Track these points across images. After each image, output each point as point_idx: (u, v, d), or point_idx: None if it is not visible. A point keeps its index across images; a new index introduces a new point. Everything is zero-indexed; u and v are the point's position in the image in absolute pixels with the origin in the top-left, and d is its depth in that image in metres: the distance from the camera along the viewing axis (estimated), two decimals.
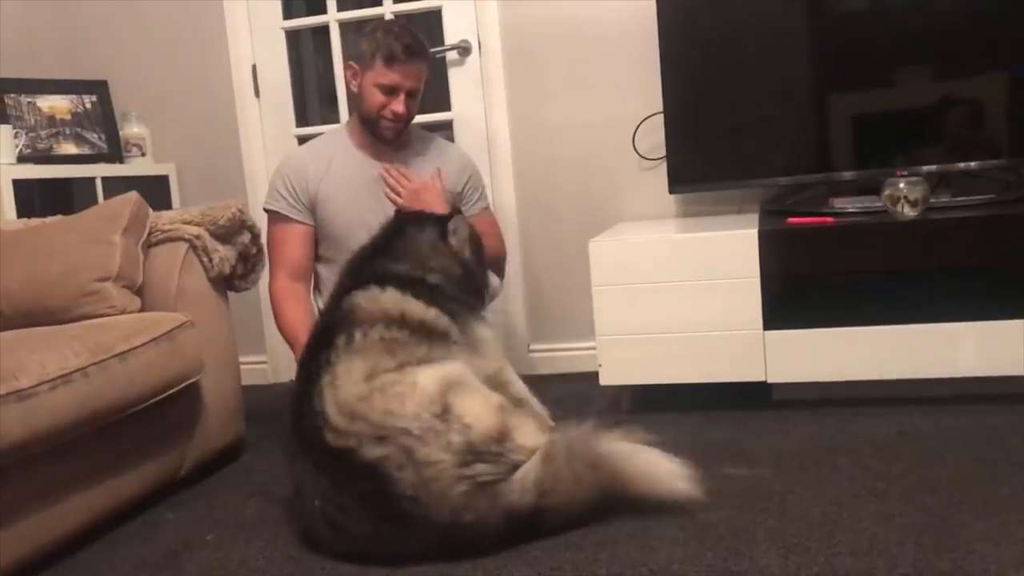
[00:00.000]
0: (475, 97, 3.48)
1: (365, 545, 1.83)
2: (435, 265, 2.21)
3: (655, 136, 3.24)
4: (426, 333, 2.04)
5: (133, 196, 2.52)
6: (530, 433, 1.97)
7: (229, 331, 2.68)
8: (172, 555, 2.03)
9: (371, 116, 2.66)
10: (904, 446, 2.31)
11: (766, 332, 2.66)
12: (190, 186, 3.79)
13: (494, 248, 2.83)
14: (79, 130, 3.65)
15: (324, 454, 1.85)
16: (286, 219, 2.68)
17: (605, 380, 2.80)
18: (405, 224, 2.29)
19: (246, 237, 2.69)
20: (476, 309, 2.29)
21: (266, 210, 2.74)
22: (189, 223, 2.59)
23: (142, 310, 2.46)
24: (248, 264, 2.74)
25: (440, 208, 2.56)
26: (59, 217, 2.67)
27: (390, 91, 2.61)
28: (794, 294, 2.70)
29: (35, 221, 2.68)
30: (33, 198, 3.23)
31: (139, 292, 2.48)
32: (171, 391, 2.29)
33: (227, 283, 2.69)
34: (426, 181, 2.63)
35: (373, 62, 2.59)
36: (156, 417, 2.29)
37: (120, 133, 3.71)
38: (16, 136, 3.43)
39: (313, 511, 1.89)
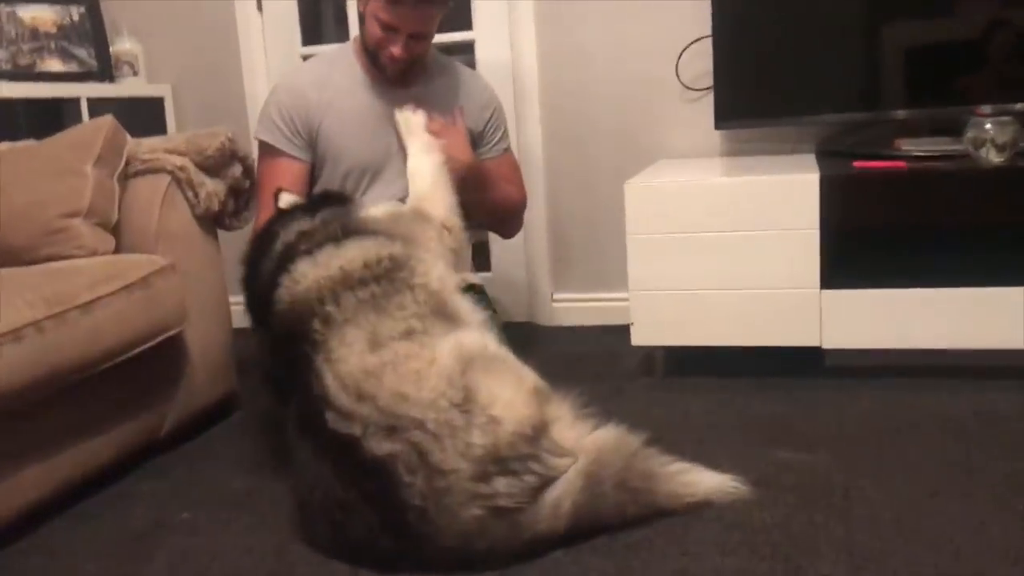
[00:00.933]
0: (500, 14, 3.13)
1: (362, 550, 1.55)
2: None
3: (701, 63, 2.89)
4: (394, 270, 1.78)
5: (107, 120, 2.22)
6: (568, 425, 1.67)
7: (218, 274, 2.39)
8: (138, 539, 1.78)
9: (370, 48, 2.32)
10: (983, 431, 2.00)
11: (823, 291, 2.34)
12: (186, 109, 3.47)
13: (509, 196, 2.52)
14: (65, 44, 3.32)
15: (326, 439, 1.57)
16: (279, 152, 2.35)
17: (637, 339, 2.50)
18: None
19: (237, 170, 2.39)
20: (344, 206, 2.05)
21: (257, 139, 2.40)
22: (173, 152, 2.28)
23: (117, 251, 2.18)
24: (240, 200, 2.44)
25: (463, 155, 2.27)
26: (27, 142, 2.36)
27: (389, 29, 2.23)
28: (857, 249, 2.38)
29: (2, 145, 2.37)
30: (12, 119, 2.92)
31: (114, 230, 2.19)
32: (147, 345, 2.02)
33: (216, 221, 2.39)
34: (448, 123, 2.30)
35: None
36: (131, 374, 2.02)
37: (110, 49, 3.38)
38: None
39: (311, 501, 1.62)
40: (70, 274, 1.92)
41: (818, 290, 2.34)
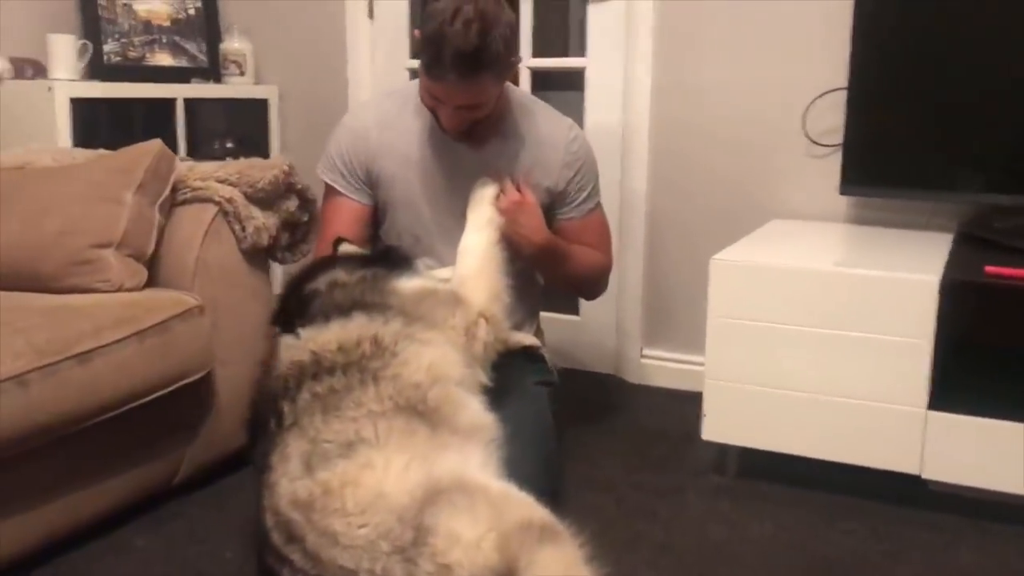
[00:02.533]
0: (616, 42, 2.85)
1: None
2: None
3: (832, 117, 2.53)
4: (363, 358, 1.58)
5: (155, 145, 2.10)
6: (553, 566, 1.42)
7: (264, 310, 2.23)
8: None
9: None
10: None
11: (930, 412, 1.98)
12: (290, 113, 3.37)
13: (591, 266, 2.25)
14: (177, 39, 3.28)
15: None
16: (338, 192, 2.18)
17: (708, 434, 2.20)
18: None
19: (293, 203, 2.24)
20: (393, 269, 1.84)
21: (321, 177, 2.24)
22: (224, 182, 2.15)
23: (152, 283, 2.07)
24: (297, 233, 2.30)
25: (535, 235, 2.03)
26: (97, 153, 2.28)
27: (436, 100, 1.99)
28: (976, 368, 2.00)
29: (66, 155, 2.30)
30: (100, 120, 2.88)
31: (154, 260, 2.08)
32: (156, 395, 1.89)
33: (268, 255, 2.25)
34: (523, 199, 2.02)
35: (421, 55, 1.94)
36: (142, 419, 1.90)
37: (220, 47, 3.31)
38: (105, 42, 3.09)
39: None
40: (77, 315, 1.81)
41: (924, 410, 1.98)
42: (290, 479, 1.45)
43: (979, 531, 1.97)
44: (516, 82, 2.24)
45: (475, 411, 1.66)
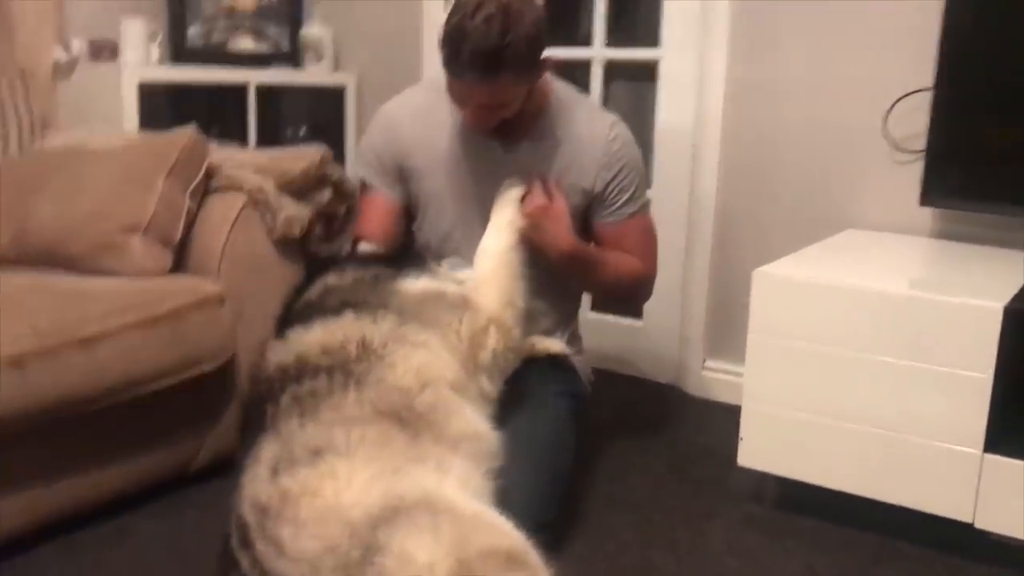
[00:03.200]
0: (691, 33, 2.70)
1: None
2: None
3: (917, 121, 2.32)
4: (347, 360, 1.51)
5: (189, 132, 2.10)
6: None
7: None
8: None
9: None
10: None
11: (986, 455, 1.78)
12: (368, 102, 3.34)
13: (628, 274, 2.10)
14: (260, 24, 3.31)
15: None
16: (371, 186, 2.13)
17: (745, 460, 2.05)
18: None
19: (327, 195, 2.20)
20: (402, 270, 1.76)
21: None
22: (258, 170, 2.13)
23: (178, 270, 2.07)
24: (334, 225, 2.26)
25: (562, 242, 1.93)
26: (130, 137, 2.31)
27: (459, 98, 1.91)
28: None
29: (121, 138, 2.34)
30: (174, 105, 2.92)
31: (183, 248, 2.09)
32: (168, 382, 1.89)
33: (303, 245, 2.22)
34: (549, 205, 1.92)
35: (442, 50, 1.84)
36: (158, 405, 1.91)
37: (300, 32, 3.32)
38: (190, 26, 3.14)
39: None
40: (87, 299, 1.82)
41: (980, 452, 1.78)
42: (255, 482, 1.40)
43: None
44: (559, 74, 2.11)
45: (469, 419, 1.58)
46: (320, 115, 3.33)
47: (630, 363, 2.94)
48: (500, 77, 1.80)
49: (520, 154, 2.02)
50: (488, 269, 1.80)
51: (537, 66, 1.88)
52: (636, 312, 2.92)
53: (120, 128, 2.64)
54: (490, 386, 1.73)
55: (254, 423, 1.56)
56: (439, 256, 2.04)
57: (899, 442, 1.85)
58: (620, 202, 2.08)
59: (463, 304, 1.71)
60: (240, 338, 2.06)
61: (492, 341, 1.70)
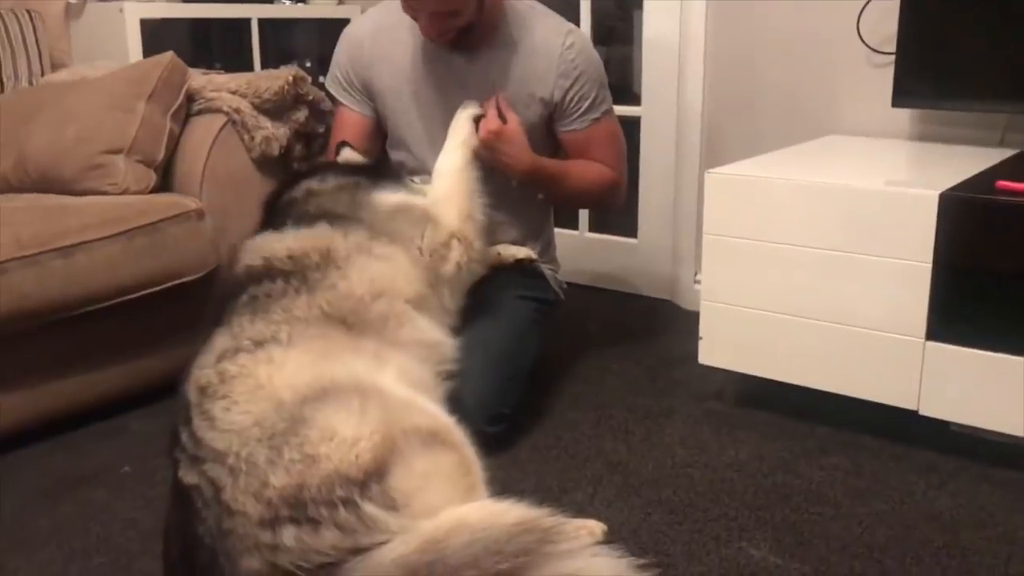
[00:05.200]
0: None
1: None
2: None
3: (890, 24, 2.29)
4: (307, 268, 1.59)
5: (167, 57, 2.22)
6: (433, 482, 1.38)
7: None
8: (70, 484, 1.81)
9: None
10: None
11: (928, 343, 1.80)
12: None
13: (595, 181, 2.14)
14: None
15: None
16: (339, 102, 2.22)
17: (704, 358, 2.10)
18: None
19: (303, 114, 2.30)
20: (379, 181, 1.82)
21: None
22: (235, 92, 2.24)
23: (166, 190, 2.20)
24: (314, 145, 2.36)
25: (519, 160, 1.98)
26: (108, 69, 2.42)
27: (411, 7, 1.96)
28: (981, 297, 1.78)
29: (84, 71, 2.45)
30: (178, 42, 3.03)
31: (167, 170, 2.21)
32: (148, 291, 2.02)
33: (283, 164, 2.33)
34: (502, 128, 1.94)
35: None
36: (144, 314, 2.04)
37: None
38: None
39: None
40: (68, 214, 1.95)
41: (922, 340, 1.80)
42: (200, 368, 1.50)
43: (971, 476, 1.78)
44: None
45: (422, 328, 1.66)
46: (327, 48, 3.40)
47: (625, 280, 2.99)
48: None
49: (479, 65, 2.08)
50: (445, 187, 1.84)
51: None
52: (631, 232, 2.97)
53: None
54: (452, 300, 1.79)
55: (215, 318, 1.67)
56: (413, 172, 2.13)
57: (845, 333, 1.89)
58: (581, 109, 2.12)
59: (425, 218, 1.77)
60: (224, 255, 2.18)
61: (455, 254, 1.76)
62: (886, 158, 2.23)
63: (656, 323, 2.76)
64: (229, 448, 1.33)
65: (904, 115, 2.36)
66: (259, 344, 1.46)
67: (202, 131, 2.22)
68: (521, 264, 2.17)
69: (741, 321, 2.02)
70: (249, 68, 3.15)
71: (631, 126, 2.86)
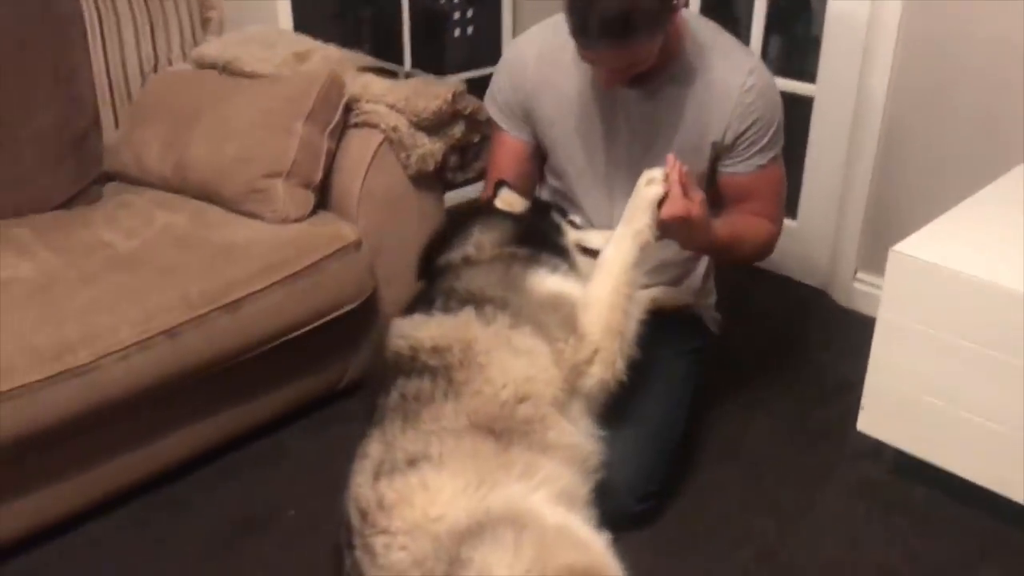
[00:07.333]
0: None
1: None
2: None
3: None
4: (451, 367, 1.60)
5: (325, 75, 2.13)
6: None
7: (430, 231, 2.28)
8: (238, 529, 1.92)
9: None
10: None
11: None
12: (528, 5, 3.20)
13: (752, 242, 2.01)
14: None
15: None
16: (498, 126, 2.11)
17: (863, 426, 2.03)
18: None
19: (459, 128, 2.21)
20: (538, 249, 1.79)
21: None
22: (392, 108, 2.15)
23: (321, 206, 2.18)
24: (468, 154, 2.28)
25: (698, 246, 1.93)
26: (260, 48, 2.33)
27: (591, 63, 1.80)
28: None
29: (271, 48, 2.36)
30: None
31: (324, 184, 2.18)
32: (306, 328, 2.05)
33: (438, 177, 2.27)
34: (693, 214, 1.72)
35: (567, 18, 1.72)
36: (303, 343, 2.08)
37: None
38: None
39: None
40: (231, 260, 1.95)
41: None
42: (360, 480, 1.53)
43: None
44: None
45: (566, 431, 1.64)
46: (479, 17, 3.24)
47: (780, 263, 2.86)
48: (633, 40, 1.70)
49: (650, 103, 1.93)
50: (601, 291, 1.71)
51: (669, 14, 1.75)
52: (791, 212, 2.81)
53: (275, 27, 2.66)
54: (582, 412, 1.72)
55: (372, 399, 1.68)
56: (569, 201, 2.05)
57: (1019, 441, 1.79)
58: (750, 153, 1.97)
59: (573, 322, 1.69)
60: (379, 271, 2.18)
61: (595, 370, 1.69)
62: None
63: (809, 323, 2.67)
64: None
65: None
66: (412, 463, 1.48)
67: (359, 149, 2.17)
68: (679, 311, 2.10)
69: (907, 402, 1.93)
70: (400, 26, 3.01)
71: (802, 105, 2.67)
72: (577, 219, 2.00)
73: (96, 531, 1.90)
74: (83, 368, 1.73)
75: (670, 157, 1.73)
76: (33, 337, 1.71)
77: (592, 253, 1.85)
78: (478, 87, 2.22)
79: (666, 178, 1.72)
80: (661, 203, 1.72)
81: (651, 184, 1.73)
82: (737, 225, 1.97)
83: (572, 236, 1.92)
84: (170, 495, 2.00)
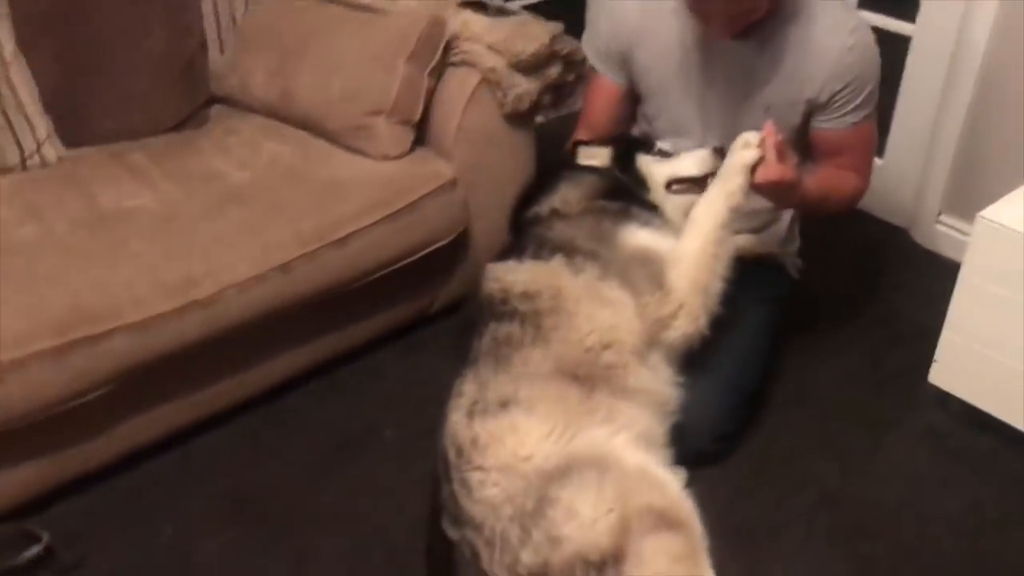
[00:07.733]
0: None
1: None
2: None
3: None
4: (540, 313, 1.69)
5: (427, 15, 2.19)
6: (659, 557, 1.56)
7: (521, 168, 2.35)
8: (339, 448, 2.09)
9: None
10: None
11: None
12: None
13: (840, 196, 2.06)
14: None
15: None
16: (594, 68, 2.16)
17: (935, 378, 2.11)
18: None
19: (556, 69, 2.25)
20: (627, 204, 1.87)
21: None
22: (491, 48, 2.21)
23: (419, 143, 2.26)
24: (563, 91, 2.33)
25: (789, 205, 2.05)
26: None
27: (704, 16, 1.83)
28: None
29: None
30: None
31: (422, 122, 2.25)
32: (406, 262, 2.17)
33: (531, 114, 2.33)
34: (786, 178, 1.80)
35: None
36: (401, 271, 2.20)
37: None
38: None
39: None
40: (340, 197, 2.07)
41: None
42: (456, 418, 1.64)
43: None
44: None
45: (647, 379, 1.75)
46: None
47: (863, 199, 2.88)
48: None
49: (748, 55, 1.96)
50: (691, 247, 1.78)
51: None
52: (877, 150, 2.81)
53: None
54: (662, 361, 1.81)
55: (467, 339, 1.77)
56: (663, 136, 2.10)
57: None
58: (845, 111, 2.00)
59: (661, 277, 1.77)
60: (471, 206, 2.28)
61: (679, 324, 1.77)
62: None
63: (889, 264, 2.69)
64: (485, 521, 1.51)
65: None
66: (503, 405, 1.60)
67: (457, 88, 2.23)
68: (762, 258, 2.16)
69: (981, 361, 2.00)
70: None
71: (899, 44, 2.64)
72: (666, 145, 2.03)
73: (211, 442, 2.09)
74: (206, 301, 1.87)
75: (768, 124, 1.78)
76: (160, 271, 1.86)
77: (686, 182, 1.92)
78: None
79: (762, 143, 1.77)
80: (755, 167, 1.78)
81: (747, 148, 1.79)
82: (826, 181, 2.01)
83: (664, 170, 1.96)
84: (278, 410, 2.17)
